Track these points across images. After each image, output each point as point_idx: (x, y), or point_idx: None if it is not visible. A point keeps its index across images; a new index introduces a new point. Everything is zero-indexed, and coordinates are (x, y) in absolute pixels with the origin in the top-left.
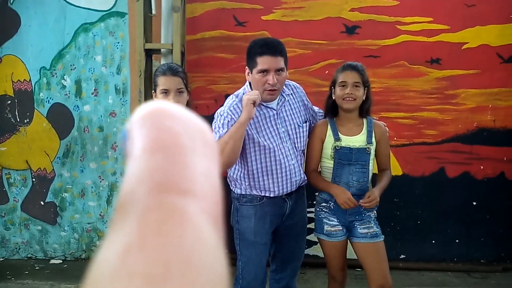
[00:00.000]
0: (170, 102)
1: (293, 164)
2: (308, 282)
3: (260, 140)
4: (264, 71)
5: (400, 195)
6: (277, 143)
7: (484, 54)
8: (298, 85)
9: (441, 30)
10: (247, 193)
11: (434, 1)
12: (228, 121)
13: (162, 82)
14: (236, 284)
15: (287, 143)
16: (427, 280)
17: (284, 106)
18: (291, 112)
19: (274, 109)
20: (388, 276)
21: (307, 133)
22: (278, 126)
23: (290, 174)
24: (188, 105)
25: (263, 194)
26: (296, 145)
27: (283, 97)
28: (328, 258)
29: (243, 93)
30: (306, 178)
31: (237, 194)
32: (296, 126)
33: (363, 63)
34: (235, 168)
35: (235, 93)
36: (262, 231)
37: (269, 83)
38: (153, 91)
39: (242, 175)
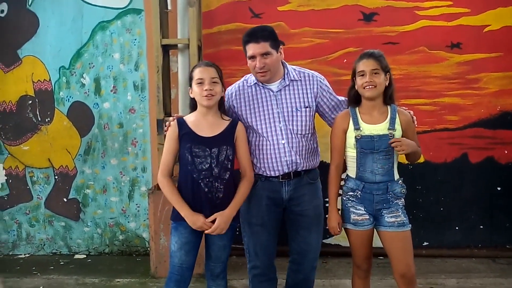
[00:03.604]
0: (205, 89)
1: (283, 144)
2: (330, 271)
3: (251, 118)
4: (252, 57)
5: (422, 182)
6: (266, 121)
7: (506, 36)
8: (318, 75)
9: (461, 13)
10: None
11: None
12: (227, 99)
13: (196, 73)
14: (247, 259)
15: (280, 123)
16: (450, 267)
17: (285, 89)
18: (290, 96)
19: (273, 91)
20: (411, 265)
21: (309, 118)
22: (273, 106)
23: (279, 152)
24: (222, 100)
25: (257, 172)
26: (292, 128)
27: (285, 81)
28: (353, 247)
29: (250, 76)
30: (308, 165)
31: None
32: (294, 109)
33: (382, 50)
34: None
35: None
36: (258, 213)
37: (257, 67)
38: (189, 87)
39: None
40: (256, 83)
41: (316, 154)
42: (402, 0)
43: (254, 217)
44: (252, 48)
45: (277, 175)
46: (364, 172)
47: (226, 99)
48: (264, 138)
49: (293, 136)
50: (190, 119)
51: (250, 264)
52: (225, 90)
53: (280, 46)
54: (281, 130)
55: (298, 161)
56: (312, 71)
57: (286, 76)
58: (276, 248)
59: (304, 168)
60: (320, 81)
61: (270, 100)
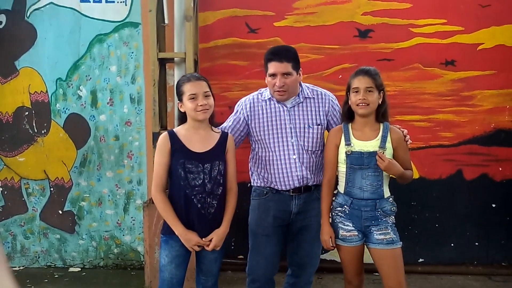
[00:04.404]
0: (200, 104)
1: (294, 159)
2: (326, 287)
3: (263, 132)
4: (273, 75)
5: (417, 199)
6: (278, 136)
7: (500, 54)
8: (330, 94)
9: (456, 31)
10: (257, 185)
11: (447, 3)
12: (237, 111)
13: (189, 88)
14: (247, 273)
15: (292, 139)
16: (446, 283)
17: (299, 106)
18: (303, 113)
19: (286, 106)
20: (402, 283)
21: (319, 135)
22: (286, 122)
23: (290, 167)
24: (212, 112)
25: (268, 185)
26: (303, 144)
27: (300, 98)
28: (344, 263)
29: (265, 90)
30: (318, 180)
31: (252, 187)
32: (306, 126)
33: (377, 67)
34: (250, 159)
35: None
36: (264, 223)
37: (276, 85)
38: (178, 101)
39: (252, 163)
40: (270, 98)
41: None
42: (397, 17)
43: (260, 227)
44: (274, 67)
45: (287, 189)
46: (352, 188)
47: (240, 109)
48: (275, 153)
49: (304, 152)
50: (181, 132)
51: (249, 277)
52: (214, 100)
53: (300, 68)
54: (292, 145)
55: (309, 176)
56: (325, 90)
57: (300, 93)
58: (279, 265)
59: (314, 183)
60: (332, 100)
61: (283, 116)
